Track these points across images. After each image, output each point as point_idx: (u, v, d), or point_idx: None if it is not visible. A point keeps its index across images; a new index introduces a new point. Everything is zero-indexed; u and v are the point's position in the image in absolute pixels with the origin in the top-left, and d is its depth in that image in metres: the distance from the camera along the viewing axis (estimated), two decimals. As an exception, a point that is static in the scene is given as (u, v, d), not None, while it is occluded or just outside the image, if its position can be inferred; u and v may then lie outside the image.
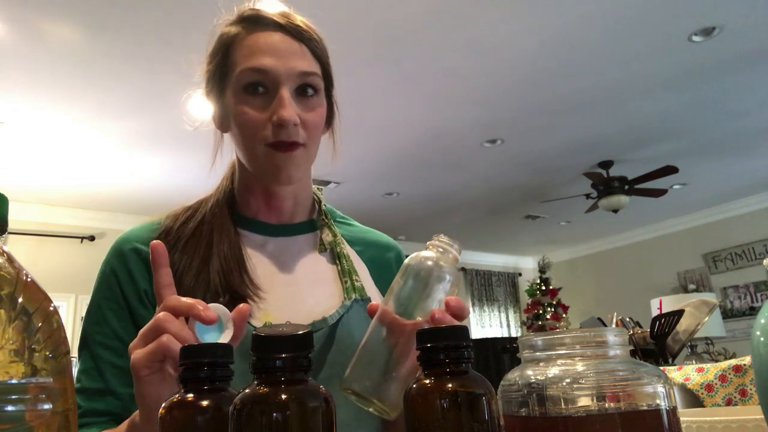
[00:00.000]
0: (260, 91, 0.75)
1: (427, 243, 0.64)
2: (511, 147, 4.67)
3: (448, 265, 0.62)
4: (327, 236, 0.86)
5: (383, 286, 0.84)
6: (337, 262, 0.84)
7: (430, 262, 0.62)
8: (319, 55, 0.79)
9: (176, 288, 0.72)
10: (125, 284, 0.76)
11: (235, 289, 0.73)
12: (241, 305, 0.60)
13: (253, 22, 0.78)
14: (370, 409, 0.58)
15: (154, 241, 0.62)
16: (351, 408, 0.61)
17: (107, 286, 0.77)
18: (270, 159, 0.75)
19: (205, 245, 0.77)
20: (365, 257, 0.89)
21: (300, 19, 0.80)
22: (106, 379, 0.73)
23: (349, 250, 0.87)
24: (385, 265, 0.89)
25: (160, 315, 0.55)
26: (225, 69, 0.79)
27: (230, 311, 0.66)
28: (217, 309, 0.58)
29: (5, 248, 0.36)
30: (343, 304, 0.78)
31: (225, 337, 0.57)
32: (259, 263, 0.79)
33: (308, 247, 0.85)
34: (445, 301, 0.61)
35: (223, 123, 0.82)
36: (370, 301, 0.80)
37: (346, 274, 0.82)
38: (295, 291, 0.79)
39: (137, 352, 0.54)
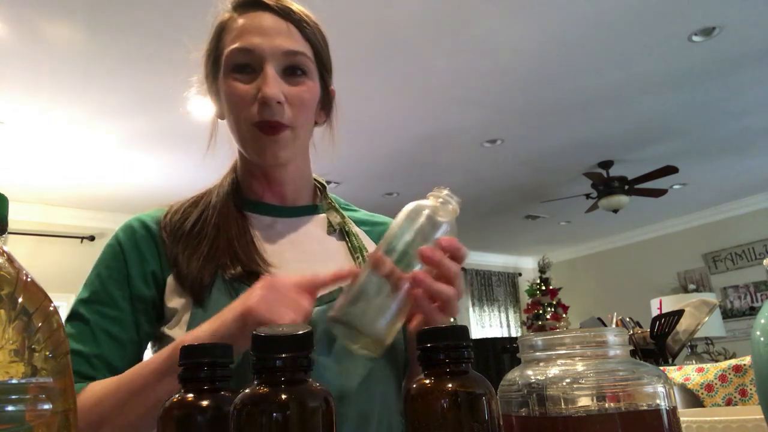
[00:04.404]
0: (248, 71, 0.75)
1: (428, 194, 0.64)
2: (511, 147, 4.67)
3: (445, 216, 0.62)
4: (335, 218, 0.86)
5: None
6: (347, 239, 0.84)
7: (427, 211, 0.62)
8: (310, 37, 0.79)
9: (186, 272, 0.72)
10: (131, 260, 0.75)
11: (245, 264, 0.73)
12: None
13: (244, 5, 0.79)
14: (355, 346, 0.58)
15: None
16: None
17: (112, 257, 0.76)
18: (256, 140, 0.75)
19: (212, 228, 0.77)
20: (374, 237, 0.89)
21: (294, 4, 0.80)
22: (100, 345, 0.71)
23: (357, 229, 0.87)
24: None
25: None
26: (217, 54, 0.79)
27: (244, 286, 0.69)
28: None
29: (5, 248, 0.36)
30: None
31: None
32: (268, 242, 0.79)
33: (316, 228, 0.85)
34: (438, 242, 0.60)
35: (219, 106, 0.83)
36: None
37: (356, 250, 0.82)
38: (307, 267, 0.78)
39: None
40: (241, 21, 0.77)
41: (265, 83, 0.73)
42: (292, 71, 0.76)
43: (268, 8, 0.77)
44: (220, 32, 0.79)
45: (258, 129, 0.75)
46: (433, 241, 0.61)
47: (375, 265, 0.59)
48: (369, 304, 0.58)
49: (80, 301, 0.74)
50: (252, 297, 0.60)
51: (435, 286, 0.59)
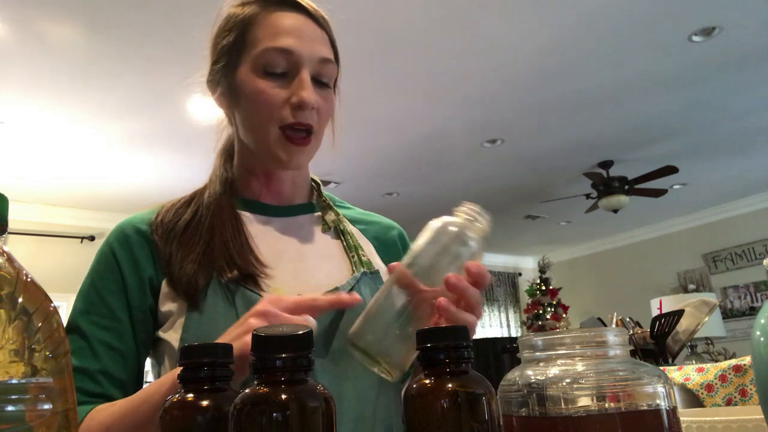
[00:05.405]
0: (279, 72, 0.74)
1: (455, 209, 0.62)
2: (511, 147, 4.67)
3: (473, 234, 0.60)
4: (330, 216, 0.85)
5: (389, 262, 0.85)
6: (342, 238, 0.83)
7: (454, 228, 0.60)
8: (334, 45, 0.80)
9: (179, 275, 0.71)
10: (126, 268, 0.73)
11: (241, 267, 0.72)
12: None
13: (276, 1, 0.77)
14: (375, 369, 0.57)
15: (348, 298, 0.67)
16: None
17: (106, 266, 0.74)
18: (283, 146, 0.75)
19: (206, 229, 0.75)
20: (369, 235, 0.88)
21: (321, 9, 0.80)
22: (101, 359, 0.69)
23: (352, 228, 0.87)
24: (390, 243, 0.89)
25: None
26: (243, 45, 0.76)
27: (240, 288, 0.70)
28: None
29: (5, 248, 0.35)
30: (353, 276, 0.77)
31: None
32: (263, 242, 0.78)
33: (311, 227, 0.84)
34: (465, 267, 0.59)
35: (229, 98, 0.80)
36: (378, 274, 0.79)
37: (352, 249, 0.82)
38: (303, 266, 0.78)
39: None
40: (275, 17, 0.75)
41: (302, 88, 0.73)
42: (320, 79, 0.76)
43: (303, 10, 0.77)
44: (247, 23, 0.76)
45: (286, 136, 0.74)
46: (459, 264, 0.59)
47: (401, 282, 0.58)
48: (388, 331, 0.56)
49: (77, 313, 0.72)
50: (253, 328, 0.59)
51: (458, 316, 0.58)
